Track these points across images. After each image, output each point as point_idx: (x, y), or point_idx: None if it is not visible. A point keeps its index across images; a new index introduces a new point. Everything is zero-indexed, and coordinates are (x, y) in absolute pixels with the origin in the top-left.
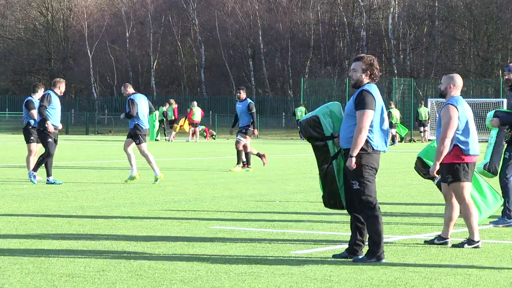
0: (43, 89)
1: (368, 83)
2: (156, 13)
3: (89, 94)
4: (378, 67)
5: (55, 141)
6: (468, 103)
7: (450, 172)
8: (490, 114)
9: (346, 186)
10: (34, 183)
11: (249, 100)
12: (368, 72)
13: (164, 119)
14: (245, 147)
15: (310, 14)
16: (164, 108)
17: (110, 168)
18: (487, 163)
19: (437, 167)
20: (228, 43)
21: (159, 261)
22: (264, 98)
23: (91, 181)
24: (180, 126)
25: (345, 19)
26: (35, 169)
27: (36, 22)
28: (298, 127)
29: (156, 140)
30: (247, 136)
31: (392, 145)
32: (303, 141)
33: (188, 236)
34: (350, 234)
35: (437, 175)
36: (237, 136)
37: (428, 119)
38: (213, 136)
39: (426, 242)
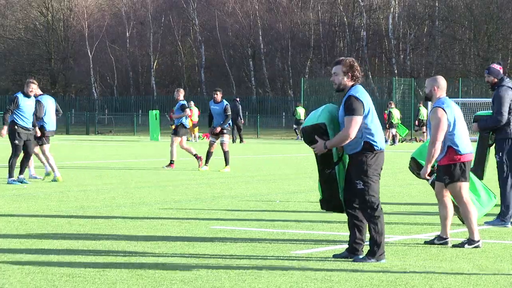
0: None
1: (352, 85)
2: (156, 13)
3: (89, 94)
4: (358, 68)
5: (39, 139)
6: (468, 103)
7: (447, 173)
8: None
9: (345, 185)
10: (26, 183)
11: (225, 102)
12: (349, 74)
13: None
14: (181, 144)
15: (310, 14)
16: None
17: (110, 168)
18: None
19: (428, 169)
20: (228, 43)
21: (159, 261)
22: (264, 98)
23: (91, 181)
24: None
25: (345, 19)
26: (21, 172)
27: (37, 22)
28: (296, 129)
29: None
30: (226, 135)
31: (392, 145)
32: (300, 141)
33: (188, 236)
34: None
35: (428, 177)
36: (220, 138)
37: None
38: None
39: (426, 242)
